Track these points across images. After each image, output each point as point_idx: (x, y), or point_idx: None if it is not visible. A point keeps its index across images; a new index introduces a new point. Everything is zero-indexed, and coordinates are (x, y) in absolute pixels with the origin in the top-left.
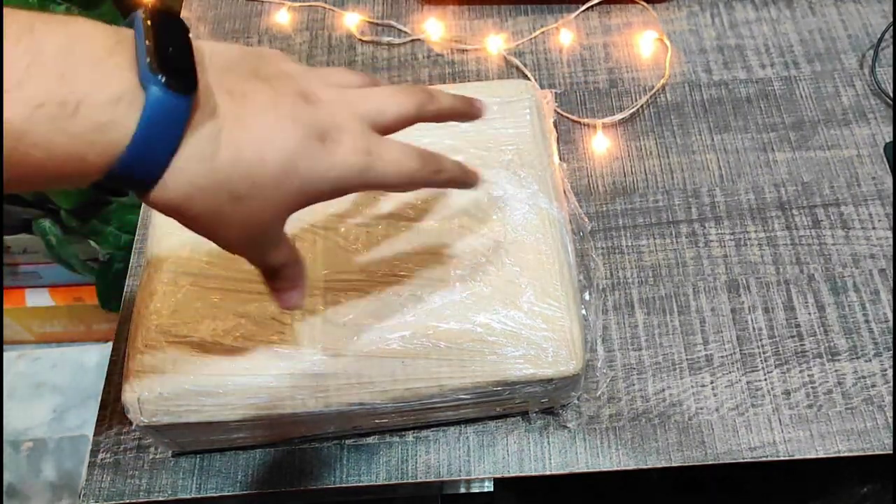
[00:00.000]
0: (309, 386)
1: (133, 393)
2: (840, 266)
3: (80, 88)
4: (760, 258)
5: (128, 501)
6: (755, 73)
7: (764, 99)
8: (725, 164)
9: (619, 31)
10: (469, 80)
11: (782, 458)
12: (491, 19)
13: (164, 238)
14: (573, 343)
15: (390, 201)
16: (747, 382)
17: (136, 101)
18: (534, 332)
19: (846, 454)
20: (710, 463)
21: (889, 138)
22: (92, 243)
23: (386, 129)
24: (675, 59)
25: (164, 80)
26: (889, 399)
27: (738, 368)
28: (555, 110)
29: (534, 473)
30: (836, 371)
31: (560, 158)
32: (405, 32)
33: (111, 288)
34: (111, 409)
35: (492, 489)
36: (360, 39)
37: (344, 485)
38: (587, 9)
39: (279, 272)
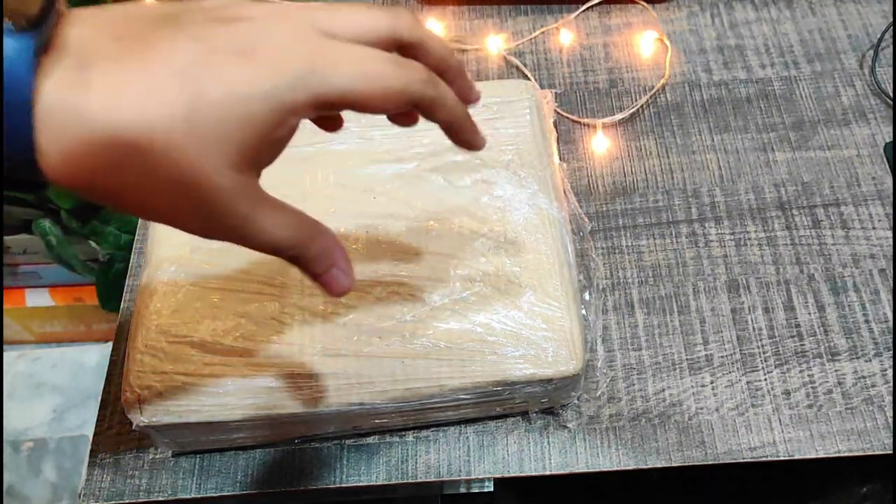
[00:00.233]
0: (309, 386)
1: (133, 393)
2: (840, 266)
3: None
4: (760, 258)
5: (128, 501)
6: (755, 73)
7: (764, 99)
8: (725, 164)
9: (619, 31)
10: None
11: (782, 458)
12: (491, 19)
13: (164, 238)
14: (573, 343)
15: (390, 201)
16: (747, 382)
17: None
18: (534, 332)
19: (846, 454)
20: (710, 463)
21: (889, 138)
22: (92, 243)
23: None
24: (675, 59)
25: (7, 23)
26: (889, 399)
27: (738, 368)
28: (555, 110)
29: (534, 473)
30: (836, 371)
31: (560, 158)
32: None
33: (111, 288)
34: (111, 409)
35: (492, 489)
36: None
37: (344, 485)
38: (587, 9)
39: (297, 252)
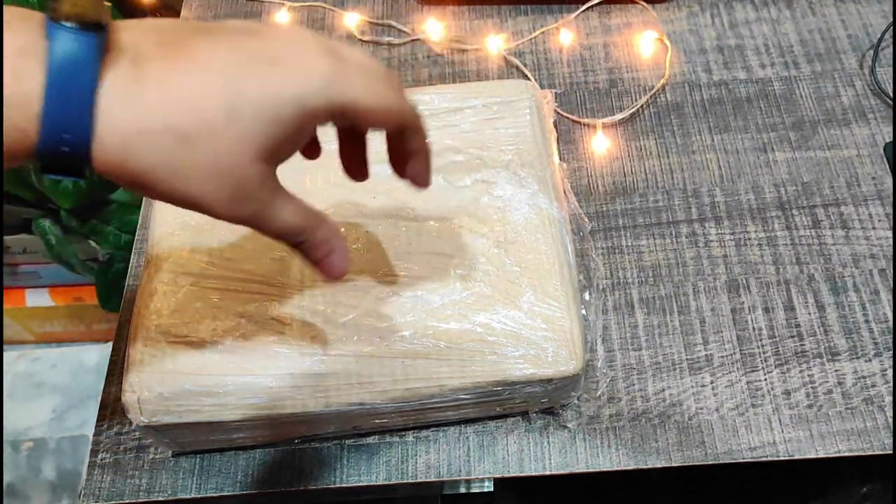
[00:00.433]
0: (309, 386)
1: (133, 393)
2: (840, 266)
3: None
4: (760, 258)
5: (128, 501)
6: (755, 73)
7: (764, 99)
8: (725, 164)
9: (619, 31)
10: (469, 80)
11: (782, 458)
12: (491, 19)
13: (164, 238)
14: (573, 343)
15: (390, 201)
16: (747, 382)
17: (40, 52)
18: (534, 332)
19: (846, 454)
20: (710, 463)
21: (889, 138)
22: (92, 243)
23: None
24: (675, 59)
25: (68, 25)
26: (889, 399)
27: (738, 368)
28: (555, 110)
29: (534, 473)
30: (836, 371)
31: (560, 158)
32: (405, 32)
33: (111, 288)
34: (111, 409)
35: (492, 489)
36: (360, 39)
37: (344, 485)
38: (587, 9)
39: (304, 238)
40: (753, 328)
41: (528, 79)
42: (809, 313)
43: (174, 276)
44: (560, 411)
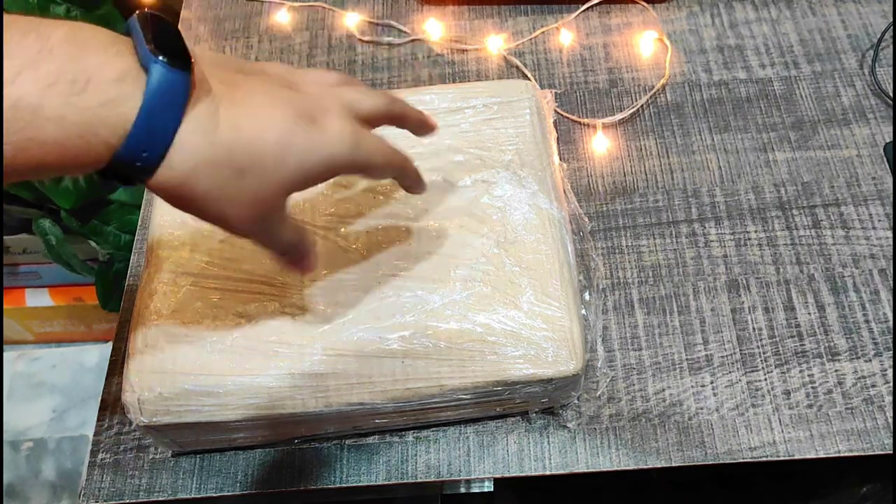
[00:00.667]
0: (309, 386)
1: (133, 393)
2: (840, 266)
3: (88, 69)
4: (760, 258)
5: (128, 501)
6: (755, 73)
7: (764, 99)
8: (725, 164)
9: (619, 31)
10: (469, 80)
11: (782, 458)
12: (491, 19)
13: (164, 238)
14: (573, 343)
15: (390, 201)
16: (747, 382)
17: (139, 80)
18: (534, 332)
19: (846, 454)
20: (710, 463)
21: (889, 138)
22: (92, 243)
23: (362, 120)
24: (675, 59)
25: (163, 59)
26: (889, 399)
27: (738, 368)
28: (555, 110)
29: (534, 473)
30: (836, 371)
31: (560, 158)
32: (405, 32)
33: (111, 288)
34: (111, 409)
35: (492, 489)
36: (360, 39)
37: (344, 485)
38: (587, 9)
39: (293, 252)
40: (753, 328)
41: (528, 79)
42: (809, 313)
43: (174, 276)
44: (560, 411)
